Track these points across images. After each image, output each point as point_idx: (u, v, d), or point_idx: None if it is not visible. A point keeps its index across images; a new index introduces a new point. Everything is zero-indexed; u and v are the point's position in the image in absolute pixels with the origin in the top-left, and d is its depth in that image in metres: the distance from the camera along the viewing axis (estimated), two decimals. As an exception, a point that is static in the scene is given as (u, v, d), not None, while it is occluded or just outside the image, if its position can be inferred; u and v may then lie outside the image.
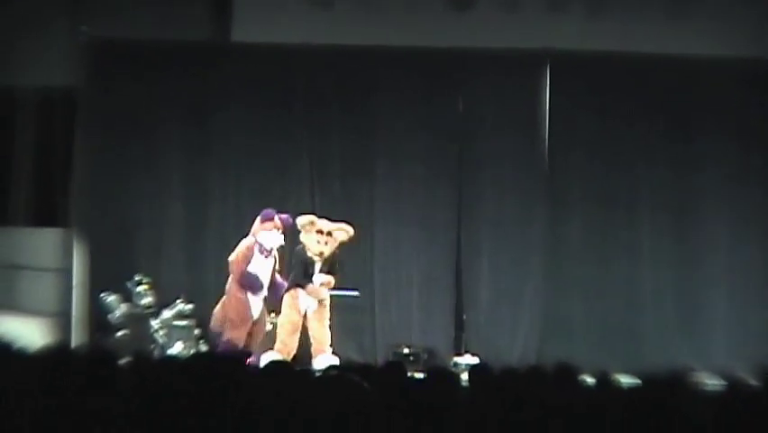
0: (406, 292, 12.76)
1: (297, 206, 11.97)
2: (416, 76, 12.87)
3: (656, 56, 12.50)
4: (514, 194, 12.85)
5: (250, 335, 10.84)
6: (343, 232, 11.02)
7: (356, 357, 11.57)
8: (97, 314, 11.83)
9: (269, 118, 12.83)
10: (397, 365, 5.61)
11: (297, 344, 10.83)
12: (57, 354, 4.79)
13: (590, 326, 12.53)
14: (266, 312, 11.04)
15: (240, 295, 10.83)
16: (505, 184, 12.87)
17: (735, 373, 6.62)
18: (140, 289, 11.56)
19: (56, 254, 12.63)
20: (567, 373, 5.32)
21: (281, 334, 10.84)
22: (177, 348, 11.16)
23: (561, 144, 12.86)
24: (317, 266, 10.93)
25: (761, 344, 11.87)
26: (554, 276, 12.72)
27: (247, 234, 10.99)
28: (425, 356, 11.89)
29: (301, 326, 10.87)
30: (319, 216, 11.21)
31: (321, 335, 10.84)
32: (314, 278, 10.90)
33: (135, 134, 12.73)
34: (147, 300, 11.53)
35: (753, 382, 5.28)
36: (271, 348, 10.74)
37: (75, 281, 12.40)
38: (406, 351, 11.93)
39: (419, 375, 5.27)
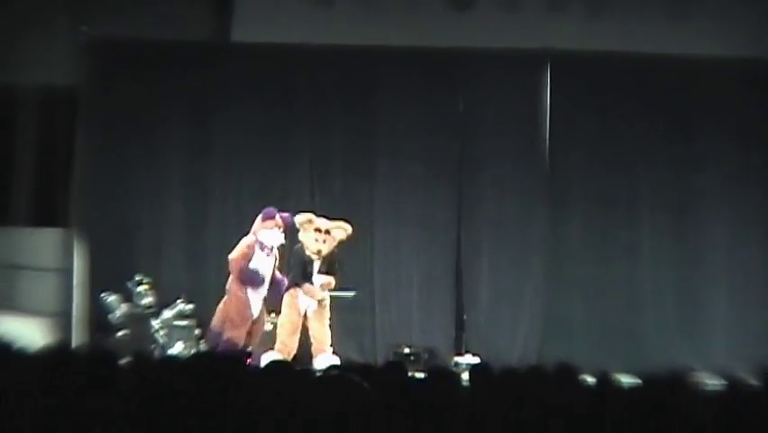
0: (406, 292, 12.75)
1: (298, 205, 11.96)
2: (416, 75, 12.87)
3: (656, 56, 12.50)
4: (514, 194, 12.84)
5: (249, 334, 10.85)
6: (342, 230, 11.02)
7: (356, 357, 11.57)
8: (98, 314, 11.82)
9: (270, 118, 12.83)
10: (398, 365, 5.61)
11: (297, 344, 10.83)
12: (57, 354, 4.79)
13: (591, 325, 12.53)
14: (265, 312, 11.04)
15: (240, 293, 10.82)
16: (505, 184, 12.87)
17: (735, 373, 6.61)
18: (140, 289, 11.55)
19: (56, 254, 12.62)
20: (567, 373, 5.32)
21: (281, 334, 10.84)
22: (177, 348, 11.15)
23: (561, 144, 12.86)
24: (316, 265, 10.93)
25: (761, 344, 11.87)
26: (555, 276, 12.72)
27: (248, 233, 10.99)
28: (426, 356, 11.88)
29: (301, 326, 10.87)
30: (319, 216, 11.22)
31: (321, 334, 10.84)
32: (313, 279, 10.89)
33: (136, 134, 12.72)
34: (147, 300, 11.53)
35: (753, 381, 5.28)
36: (272, 348, 10.74)
37: (75, 281, 12.39)
38: (406, 351, 11.92)
39: (420, 375, 5.28)
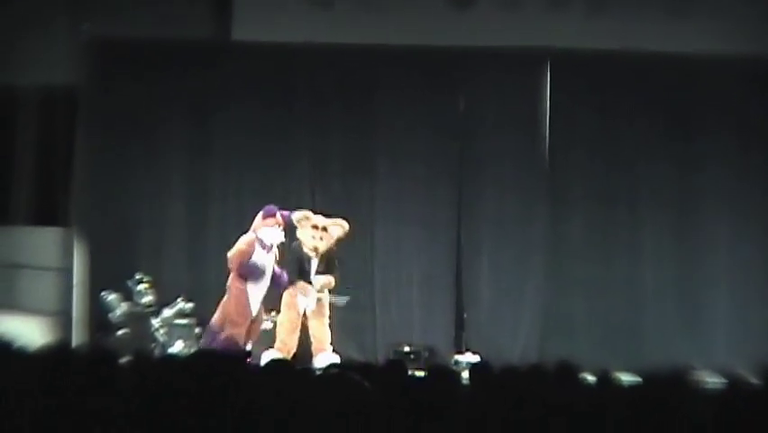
0: (406, 291, 12.75)
1: (298, 205, 11.92)
2: (416, 75, 12.86)
3: (657, 54, 12.48)
4: (514, 192, 12.84)
5: (247, 332, 10.84)
6: (339, 227, 11.00)
7: (357, 356, 11.57)
8: (98, 313, 11.83)
9: (270, 117, 12.83)
10: (398, 364, 5.61)
11: (296, 342, 10.82)
12: (57, 353, 4.78)
13: (591, 324, 12.53)
14: (264, 310, 11.04)
15: (240, 290, 10.78)
16: (505, 183, 12.87)
17: (736, 372, 6.61)
18: (140, 287, 11.55)
19: (56, 253, 12.62)
20: (568, 372, 5.32)
21: (281, 333, 10.84)
22: (177, 347, 11.15)
23: (561, 143, 12.86)
24: (314, 263, 10.91)
25: (762, 342, 11.86)
26: (555, 274, 12.72)
27: (248, 231, 10.98)
28: (426, 355, 11.87)
29: (300, 324, 10.87)
30: (318, 214, 11.21)
31: (321, 333, 10.83)
32: (312, 278, 10.88)
33: (136, 133, 12.73)
34: (147, 299, 11.53)
35: (753, 380, 5.28)
36: (271, 347, 10.73)
37: (75, 280, 12.40)
38: (406, 349, 11.91)
39: (420, 374, 5.27)
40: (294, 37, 12.53)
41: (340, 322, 11.28)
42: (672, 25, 12.47)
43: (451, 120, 12.87)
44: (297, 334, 10.82)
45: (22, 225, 12.85)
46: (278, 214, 10.89)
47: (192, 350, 10.86)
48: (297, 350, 10.76)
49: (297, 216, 10.95)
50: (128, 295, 11.57)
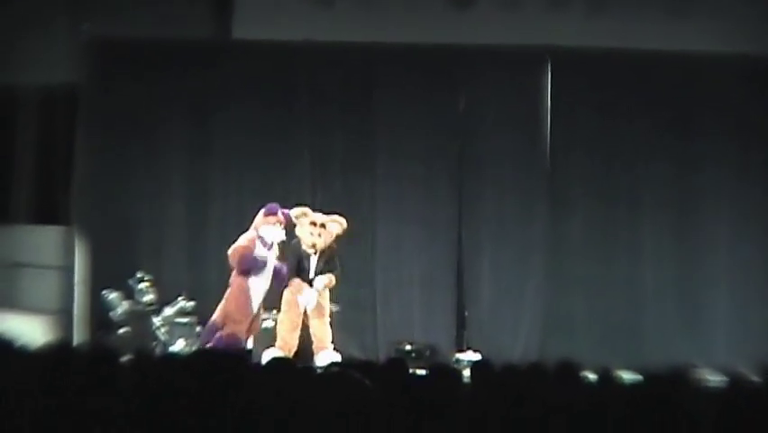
0: (407, 290, 12.75)
1: (299, 204, 11.95)
2: (416, 74, 12.86)
3: (657, 53, 12.49)
4: (515, 192, 12.84)
5: (247, 330, 10.83)
6: (337, 224, 10.97)
7: (358, 354, 11.57)
8: (99, 311, 11.84)
9: (270, 117, 12.82)
10: (399, 362, 5.61)
11: (297, 341, 10.80)
12: (58, 352, 4.79)
13: (592, 323, 12.53)
14: (263, 308, 11.02)
15: (242, 285, 10.72)
16: (506, 182, 12.86)
17: (736, 370, 6.62)
18: (141, 286, 11.56)
19: (57, 252, 12.63)
20: (569, 370, 5.32)
21: (281, 331, 10.83)
22: (178, 345, 11.16)
23: (562, 142, 12.86)
24: (312, 260, 10.89)
25: (762, 341, 11.87)
26: (556, 274, 12.72)
27: (248, 230, 10.97)
28: (427, 353, 11.87)
29: (301, 323, 10.86)
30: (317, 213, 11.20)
31: (322, 332, 10.82)
32: (313, 280, 10.85)
33: (136, 132, 12.73)
34: (149, 298, 11.53)
35: (754, 378, 5.28)
36: (272, 345, 10.73)
37: (76, 279, 12.40)
38: (407, 348, 11.91)
39: (421, 372, 5.27)
40: (294, 36, 12.53)
41: (341, 321, 11.28)
42: (671, 25, 12.47)
43: (451, 119, 12.87)
44: (298, 332, 10.80)
45: (23, 224, 12.85)
46: (279, 212, 10.88)
47: (193, 348, 10.86)
48: (298, 348, 10.74)
49: (295, 212, 10.91)
50: (129, 294, 11.58)
